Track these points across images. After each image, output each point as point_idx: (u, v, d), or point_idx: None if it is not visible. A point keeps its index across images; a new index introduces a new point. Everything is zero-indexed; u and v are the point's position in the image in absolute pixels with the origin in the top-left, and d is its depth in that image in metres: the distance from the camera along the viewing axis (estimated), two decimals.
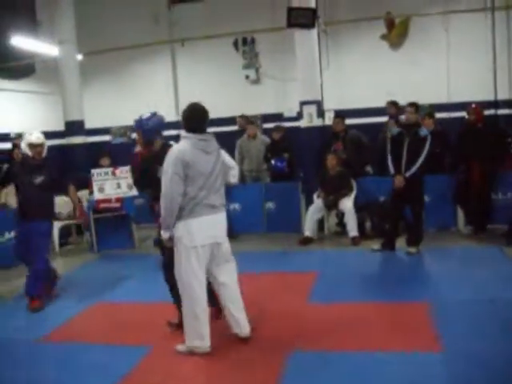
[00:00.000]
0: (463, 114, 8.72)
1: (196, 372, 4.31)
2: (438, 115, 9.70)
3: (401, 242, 7.41)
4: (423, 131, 7.14)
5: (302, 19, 8.61)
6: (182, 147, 4.34)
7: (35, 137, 6.28)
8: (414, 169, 6.99)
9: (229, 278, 4.61)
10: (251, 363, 4.33)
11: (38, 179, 6.15)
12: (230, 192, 9.02)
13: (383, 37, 11.76)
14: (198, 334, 4.44)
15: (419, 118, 7.51)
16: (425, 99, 11.07)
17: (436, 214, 8.17)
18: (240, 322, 4.65)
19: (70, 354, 4.80)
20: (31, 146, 6.22)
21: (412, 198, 7.16)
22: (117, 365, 4.44)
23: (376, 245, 7.52)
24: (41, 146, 6.27)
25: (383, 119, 9.64)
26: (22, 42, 10.54)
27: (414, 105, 7.25)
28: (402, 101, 9.79)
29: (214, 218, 4.43)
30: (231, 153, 9.37)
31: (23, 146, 6.27)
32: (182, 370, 4.35)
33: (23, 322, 5.75)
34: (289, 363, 4.27)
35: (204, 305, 4.46)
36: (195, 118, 4.46)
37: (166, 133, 10.38)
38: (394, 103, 9.45)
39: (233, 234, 8.80)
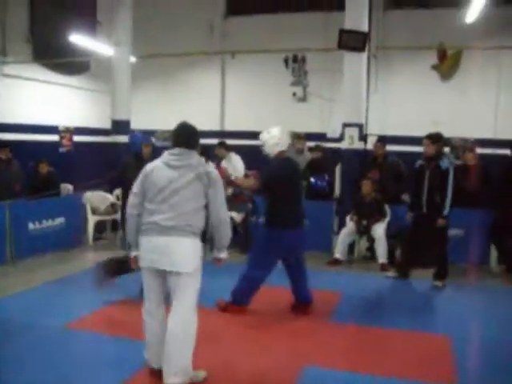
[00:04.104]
0: (508, 151, 8.67)
1: (212, 375, 4.31)
2: (483, 150, 9.62)
3: (429, 275, 7.33)
4: (444, 163, 7.02)
5: (353, 42, 8.67)
6: (153, 162, 4.25)
7: None
8: (447, 206, 6.90)
9: (171, 325, 4.02)
10: (265, 375, 4.38)
11: None
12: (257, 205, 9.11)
13: (434, 67, 11.76)
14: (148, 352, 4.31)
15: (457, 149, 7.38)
16: (470, 133, 11.02)
17: (468, 249, 8.05)
18: (166, 366, 4.02)
19: (93, 343, 4.96)
20: None
21: (435, 233, 7.06)
22: (137, 357, 4.45)
23: (391, 272, 7.56)
24: None
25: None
26: (80, 39, 10.91)
27: (431, 137, 7.10)
28: (447, 133, 9.77)
29: (160, 241, 4.00)
30: None
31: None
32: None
33: (52, 309, 5.90)
34: (302, 379, 4.30)
35: (149, 330, 4.21)
36: (173, 134, 4.25)
37: (211, 141, 10.67)
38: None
39: None
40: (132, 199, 4.21)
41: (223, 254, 4.31)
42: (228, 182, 5.87)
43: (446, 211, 6.94)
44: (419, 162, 7.29)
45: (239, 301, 5.83)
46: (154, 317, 4.20)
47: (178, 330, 3.99)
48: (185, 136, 4.20)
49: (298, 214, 5.76)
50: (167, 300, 4.23)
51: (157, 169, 4.13)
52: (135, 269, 4.29)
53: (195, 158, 4.16)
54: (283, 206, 5.60)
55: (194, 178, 4.05)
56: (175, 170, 4.07)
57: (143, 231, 4.10)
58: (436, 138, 7.13)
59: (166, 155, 4.18)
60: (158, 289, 4.17)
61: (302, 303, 5.93)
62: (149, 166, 4.20)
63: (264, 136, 5.77)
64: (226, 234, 4.24)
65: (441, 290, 7.06)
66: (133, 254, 4.25)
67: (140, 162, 6.10)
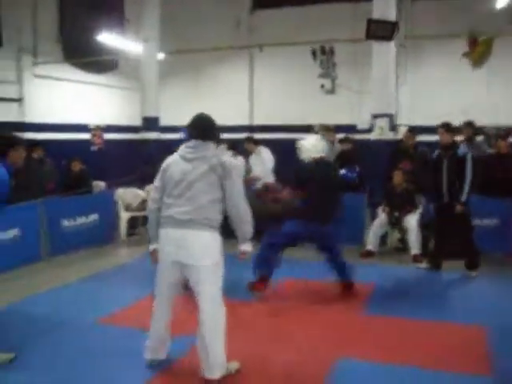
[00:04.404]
0: None
1: (243, 370, 4.31)
2: None
3: (462, 265, 7.23)
4: (461, 150, 7.02)
5: (381, 32, 8.58)
6: (171, 156, 4.26)
7: None
8: (465, 191, 6.85)
9: (202, 315, 4.04)
10: (298, 366, 4.37)
11: None
12: None
13: (465, 55, 11.52)
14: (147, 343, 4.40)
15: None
16: (503, 121, 10.81)
17: (505, 239, 7.91)
18: (203, 362, 4.08)
19: (125, 337, 5.00)
20: None
21: (459, 222, 6.99)
22: (169, 351, 4.51)
23: (423, 264, 7.49)
24: None
25: (457, 138, 9.40)
26: (108, 38, 11.03)
27: (445, 125, 7.08)
28: (480, 121, 9.61)
29: (178, 233, 4.02)
30: None
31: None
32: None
33: (86, 304, 6.02)
34: (335, 370, 4.30)
35: (157, 321, 4.29)
36: (188, 126, 4.25)
37: (240, 135, 10.69)
38: (469, 124, 9.18)
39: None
40: (153, 194, 4.27)
41: (246, 247, 4.23)
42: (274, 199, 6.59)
43: (464, 197, 6.88)
44: (436, 153, 7.24)
45: (262, 271, 6.13)
46: (162, 310, 4.26)
47: (207, 326, 4.01)
48: (200, 128, 4.18)
49: (326, 212, 6.11)
50: (186, 291, 4.30)
51: (174, 163, 4.15)
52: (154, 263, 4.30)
53: (210, 149, 4.13)
54: (310, 203, 6.02)
55: (208, 170, 4.02)
56: (190, 162, 4.07)
57: (162, 224, 4.13)
58: (450, 126, 7.13)
59: (182, 148, 4.19)
60: (173, 281, 4.18)
61: (344, 283, 6.30)
62: (167, 161, 4.24)
63: (300, 143, 6.33)
64: (247, 227, 4.16)
65: (474, 279, 6.97)
66: (152, 247, 4.29)
67: None
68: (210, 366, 4.02)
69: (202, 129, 4.18)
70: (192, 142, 4.15)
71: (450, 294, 6.49)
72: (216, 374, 4.03)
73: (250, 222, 4.18)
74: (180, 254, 4.01)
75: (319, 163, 6.20)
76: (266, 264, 6.14)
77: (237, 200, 4.08)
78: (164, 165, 4.22)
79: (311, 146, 6.23)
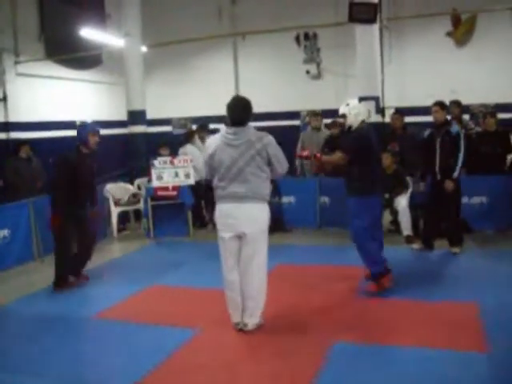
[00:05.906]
0: None
1: (239, 357, 4.39)
2: (504, 115, 9.47)
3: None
4: (454, 129, 7.01)
5: (363, 14, 8.56)
6: (212, 139, 4.74)
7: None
8: (457, 168, 6.88)
9: (250, 274, 4.69)
10: (295, 351, 4.38)
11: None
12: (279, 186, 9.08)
13: (449, 34, 11.53)
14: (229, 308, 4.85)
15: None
16: (490, 98, 10.84)
17: (495, 215, 7.97)
18: (249, 312, 4.76)
19: (121, 331, 5.02)
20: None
21: (448, 198, 7.01)
22: (165, 344, 4.57)
23: (416, 244, 7.49)
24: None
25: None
26: (90, 33, 10.94)
27: (438, 104, 7.10)
28: (466, 100, 9.61)
29: (233, 207, 4.58)
30: (292, 146, 9.39)
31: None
32: (226, 353, 4.45)
33: (81, 300, 6.01)
34: (332, 353, 4.30)
35: (229, 286, 4.74)
36: (227, 112, 4.63)
37: (221, 126, 10.60)
38: (457, 103, 9.20)
39: (285, 227, 8.93)
40: (207, 172, 4.82)
41: None
42: (316, 160, 6.06)
43: (455, 174, 6.91)
44: (428, 131, 7.25)
45: (377, 273, 5.73)
46: (236, 274, 4.71)
47: (255, 283, 4.67)
48: (237, 113, 4.57)
49: (380, 180, 5.92)
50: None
51: (219, 149, 4.57)
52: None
53: (251, 132, 4.56)
54: (370, 173, 5.65)
55: (255, 155, 4.51)
56: (236, 148, 4.52)
57: (218, 202, 4.67)
58: (444, 104, 7.15)
59: (223, 134, 4.60)
60: (235, 250, 4.67)
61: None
62: (210, 146, 4.69)
63: (344, 109, 5.79)
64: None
65: (469, 256, 7.01)
66: None
67: (85, 153, 6.53)
68: (256, 313, 4.72)
69: (239, 113, 4.57)
70: (232, 129, 4.55)
71: (442, 273, 6.51)
72: (257, 320, 4.74)
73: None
74: (236, 225, 4.57)
75: (368, 127, 5.81)
76: (374, 260, 5.73)
77: (279, 167, 4.65)
78: (209, 149, 4.67)
79: (358, 110, 5.71)
